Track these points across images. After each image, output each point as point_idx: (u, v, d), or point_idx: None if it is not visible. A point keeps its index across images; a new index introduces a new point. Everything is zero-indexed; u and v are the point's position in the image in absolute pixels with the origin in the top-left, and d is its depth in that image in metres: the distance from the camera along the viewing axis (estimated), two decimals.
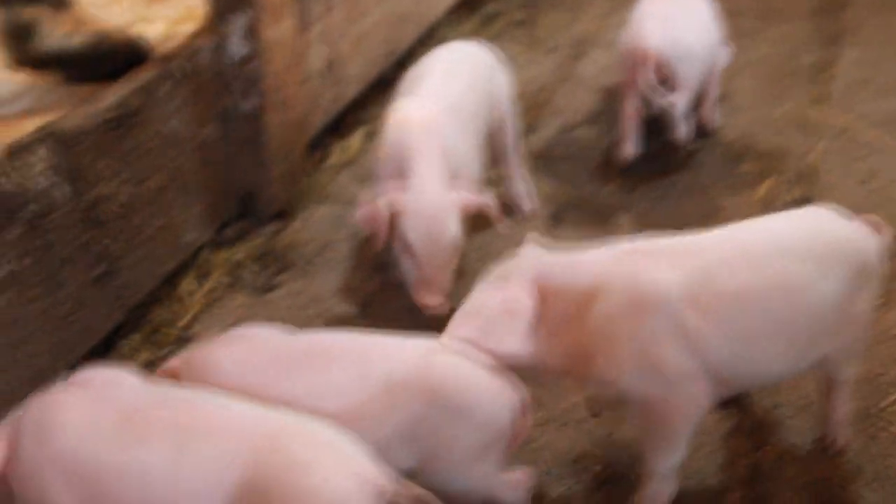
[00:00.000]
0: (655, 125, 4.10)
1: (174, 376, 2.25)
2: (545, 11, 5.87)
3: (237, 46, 3.38)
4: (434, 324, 3.15)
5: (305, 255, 3.53)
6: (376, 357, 2.21)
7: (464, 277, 3.08)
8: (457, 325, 2.33)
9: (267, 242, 3.58)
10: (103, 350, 2.98)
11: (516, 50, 5.26)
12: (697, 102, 4.13)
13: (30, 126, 2.79)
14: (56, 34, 3.29)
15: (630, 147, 4.01)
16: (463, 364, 2.21)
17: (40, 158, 2.61)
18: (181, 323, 3.17)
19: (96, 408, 2.04)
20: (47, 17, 3.35)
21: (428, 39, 5.22)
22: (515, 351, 2.29)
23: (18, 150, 2.57)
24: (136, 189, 3.00)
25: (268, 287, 3.37)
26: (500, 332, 2.28)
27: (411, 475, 2.02)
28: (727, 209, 3.73)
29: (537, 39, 5.44)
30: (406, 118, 3.15)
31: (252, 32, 3.38)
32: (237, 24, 3.37)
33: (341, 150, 4.18)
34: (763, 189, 3.87)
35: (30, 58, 3.41)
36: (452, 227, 2.96)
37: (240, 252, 3.51)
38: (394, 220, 2.97)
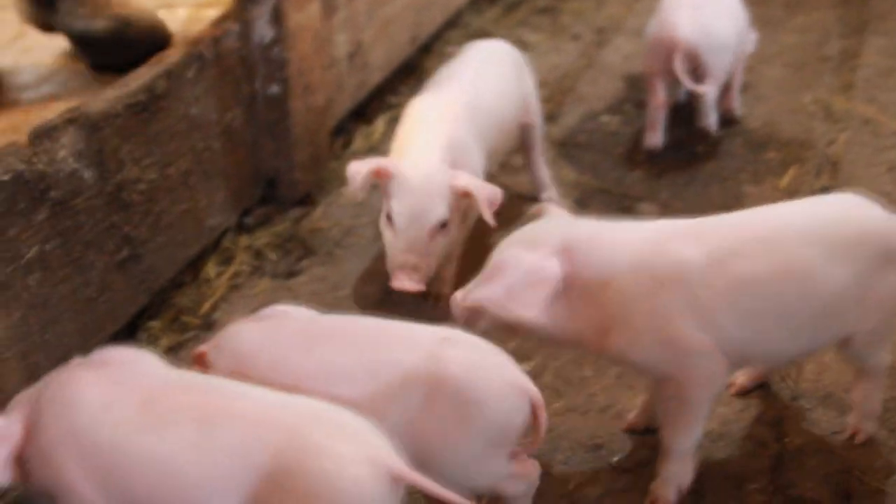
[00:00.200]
0: (679, 113, 4.10)
1: (203, 360, 2.26)
2: None
3: (263, 31, 3.39)
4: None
5: (328, 241, 3.54)
6: (389, 343, 2.20)
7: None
8: (480, 283, 2.31)
9: (290, 228, 3.58)
10: (127, 334, 3.00)
11: (540, 37, 5.26)
12: (723, 91, 4.11)
13: (55, 110, 2.80)
14: (78, 13, 3.28)
15: (657, 137, 4.01)
16: (476, 358, 2.17)
17: (66, 142, 2.62)
18: (203, 309, 3.18)
19: (115, 388, 2.05)
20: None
21: (452, 26, 5.22)
22: (535, 318, 2.27)
23: (44, 134, 2.58)
24: (161, 173, 3.01)
25: (290, 273, 3.38)
26: (523, 296, 2.26)
27: (417, 464, 2.01)
28: (751, 197, 3.72)
29: (561, 26, 5.42)
30: (420, 108, 3.15)
31: (278, 17, 3.38)
32: (263, 9, 3.37)
33: (365, 136, 4.18)
34: (787, 178, 3.85)
35: (52, 28, 3.42)
36: (440, 206, 2.87)
37: (263, 237, 3.52)
38: (382, 186, 2.93)
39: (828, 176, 3.86)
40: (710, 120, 4.01)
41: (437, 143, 2.98)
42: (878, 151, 4.04)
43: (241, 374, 2.18)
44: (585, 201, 3.75)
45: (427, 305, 3.15)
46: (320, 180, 3.81)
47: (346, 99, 4.07)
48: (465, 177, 2.91)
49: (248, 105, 3.45)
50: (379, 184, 2.97)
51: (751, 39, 4.26)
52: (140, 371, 2.12)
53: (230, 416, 1.97)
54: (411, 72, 4.69)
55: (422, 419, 2.09)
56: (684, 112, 4.13)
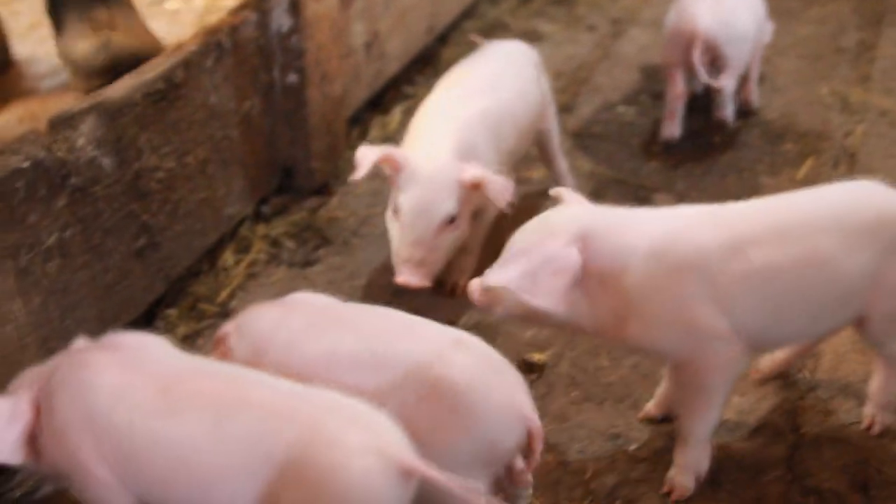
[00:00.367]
0: (696, 104, 4.09)
1: (225, 341, 2.27)
2: None
3: (280, 20, 3.39)
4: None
5: (345, 230, 3.54)
6: (399, 336, 2.19)
7: None
8: (498, 269, 2.30)
9: (307, 217, 3.59)
10: (144, 322, 3.01)
11: (555, 27, 5.25)
12: (740, 82, 4.10)
13: (72, 99, 2.82)
14: (80, 46, 3.29)
15: (675, 128, 4.01)
16: (483, 369, 2.14)
17: (85, 130, 2.63)
18: (221, 297, 3.19)
19: (129, 372, 2.06)
20: (77, 19, 3.38)
21: (468, 16, 5.22)
22: (552, 308, 2.27)
23: (63, 122, 2.59)
24: (179, 162, 3.02)
25: (307, 262, 3.39)
26: (542, 285, 2.25)
27: None
28: (768, 189, 3.71)
29: (576, 17, 5.41)
30: (435, 106, 3.15)
31: (295, 6, 3.38)
32: None
33: (381, 126, 4.18)
34: (804, 169, 3.85)
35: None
36: (448, 200, 2.84)
37: (279, 226, 3.52)
38: (392, 178, 2.91)
39: (845, 167, 3.85)
40: (728, 111, 4.03)
41: (449, 141, 2.95)
42: (895, 142, 4.03)
43: (257, 356, 2.20)
44: (601, 192, 3.74)
45: (443, 296, 3.15)
46: (337, 170, 3.81)
47: (363, 89, 4.07)
48: (474, 168, 2.88)
49: (265, 94, 3.45)
50: (389, 175, 2.96)
51: (767, 30, 4.25)
52: (151, 355, 2.13)
53: (246, 406, 1.97)
54: (428, 62, 4.69)
55: (415, 416, 2.06)
56: (701, 103, 4.12)
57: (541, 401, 2.73)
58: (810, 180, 3.74)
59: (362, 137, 4.10)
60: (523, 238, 2.35)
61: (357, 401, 1.99)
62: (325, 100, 3.62)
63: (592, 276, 2.28)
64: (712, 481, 2.47)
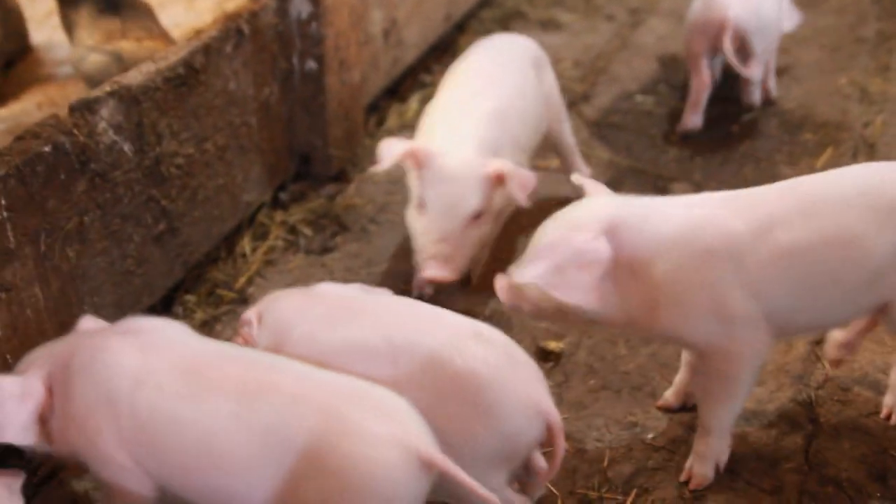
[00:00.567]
0: (714, 93, 4.07)
1: (249, 324, 2.27)
2: None
3: (300, 6, 3.39)
4: (489, 290, 3.17)
5: (362, 218, 3.54)
6: (419, 328, 2.19)
7: None
8: (525, 266, 2.27)
9: (324, 204, 3.59)
10: (163, 307, 3.02)
11: (573, 17, 5.24)
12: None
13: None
14: (92, 59, 3.30)
15: (698, 118, 4.01)
16: (504, 363, 2.14)
17: (105, 115, 2.63)
18: (239, 283, 3.20)
19: (150, 356, 2.06)
20: (87, 22, 3.39)
21: (486, 4, 5.21)
22: (583, 303, 2.25)
23: (84, 107, 2.60)
24: (198, 147, 3.02)
25: (324, 248, 3.39)
26: (571, 281, 2.23)
27: None
28: (786, 178, 3.68)
29: (595, 7, 5.40)
30: (452, 104, 3.13)
31: None
32: None
33: (398, 114, 4.18)
34: (823, 159, 3.84)
35: None
36: (474, 196, 2.83)
37: (297, 213, 3.53)
38: (414, 172, 2.90)
39: (864, 157, 3.83)
40: (756, 97, 4.11)
41: (470, 138, 2.94)
42: None
43: (278, 344, 2.21)
44: (619, 181, 3.74)
45: (458, 285, 3.15)
46: (354, 157, 3.82)
47: (381, 76, 4.07)
48: (497, 161, 2.87)
49: (284, 81, 3.45)
50: (410, 169, 2.95)
51: (793, 19, 4.26)
52: (171, 340, 2.13)
53: (270, 392, 1.98)
54: (445, 50, 4.69)
55: (435, 410, 2.05)
56: (719, 92, 4.11)
57: (558, 389, 2.73)
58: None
59: (380, 125, 4.11)
60: (549, 232, 2.33)
61: (380, 388, 2.00)
62: (343, 87, 3.62)
63: (622, 268, 2.26)
64: (730, 471, 2.46)
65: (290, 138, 3.56)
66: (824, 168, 3.73)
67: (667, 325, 2.28)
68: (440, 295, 3.10)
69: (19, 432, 2.07)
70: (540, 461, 2.32)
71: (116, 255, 2.72)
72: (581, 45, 4.89)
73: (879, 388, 2.69)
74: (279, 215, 3.50)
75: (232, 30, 3.13)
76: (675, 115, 4.13)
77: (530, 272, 2.24)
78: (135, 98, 2.73)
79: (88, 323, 2.29)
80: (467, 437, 2.08)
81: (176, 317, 2.99)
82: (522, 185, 2.85)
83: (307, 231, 3.46)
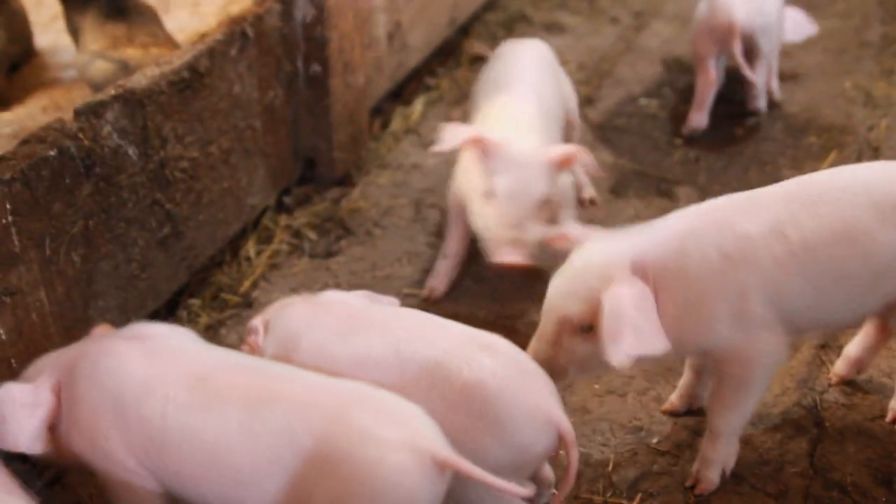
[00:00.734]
0: (717, 96, 4.07)
1: (256, 333, 2.27)
2: None
3: (304, 9, 3.38)
4: (496, 294, 3.17)
5: (367, 221, 3.54)
6: (427, 341, 2.18)
7: None
8: (610, 348, 2.18)
9: (329, 208, 3.59)
10: (167, 311, 3.02)
11: (577, 20, 5.24)
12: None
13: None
14: (97, 66, 3.30)
15: (703, 118, 4.02)
16: (513, 374, 2.13)
17: (110, 118, 2.63)
18: (243, 287, 3.20)
19: (158, 363, 2.06)
20: (93, 27, 3.39)
21: (490, 8, 5.21)
22: (665, 346, 2.20)
23: (89, 111, 2.60)
24: (203, 151, 3.02)
25: (329, 252, 3.39)
26: (648, 335, 2.19)
27: None
28: None
29: (599, 9, 5.40)
30: (504, 108, 3.13)
31: None
32: None
33: (403, 117, 4.18)
34: (827, 163, 3.82)
35: None
36: (542, 182, 2.86)
37: (302, 217, 3.52)
38: (481, 161, 2.89)
39: (868, 160, 3.79)
40: (762, 102, 4.12)
41: (529, 131, 2.99)
42: None
43: (285, 353, 2.20)
44: (623, 185, 3.74)
45: (462, 288, 3.15)
46: (359, 160, 3.81)
47: (385, 79, 4.07)
48: (560, 146, 2.95)
49: (288, 84, 3.45)
50: (475, 157, 2.93)
51: (806, 30, 4.29)
52: (177, 346, 2.13)
53: (278, 399, 1.98)
54: (450, 53, 4.69)
55: (445, 422, 2.03)
56: (723, 95, 4.11)
57: (563, 393, 2.72)
58: None
59: (384, 128, 4.10)
60: (581, 291, 2.28)
61: (389, 393, 2.00)
62: (347, 90, 3.62)
63: (660, 295, 2.26)
64: (735, 475, 2.46)
65: (294, 142, 3.56)
66: None
67: (692, 337, 2.28)
68: (446, 296, 3.11)
69: (31, 441, 2.07)
70: (548, 472, 2.32)
71: (121, 258, 2.72)
72: (585, 49, 4.89)
73: (885, 392, 2.68)
74: (284, 219, 3.50)
75: (236, 33, 3.12)
76: (680, 119, 4.13)
77: (621, 353, 2.18)
78: (139, 102, 2.73)
79: (103, 332, 2.29)
80: (477, 449, 2.06)
81: (180, 321, 2.99)
82: (589, 161, 2.94)
83: (312, 235, 3.45)
